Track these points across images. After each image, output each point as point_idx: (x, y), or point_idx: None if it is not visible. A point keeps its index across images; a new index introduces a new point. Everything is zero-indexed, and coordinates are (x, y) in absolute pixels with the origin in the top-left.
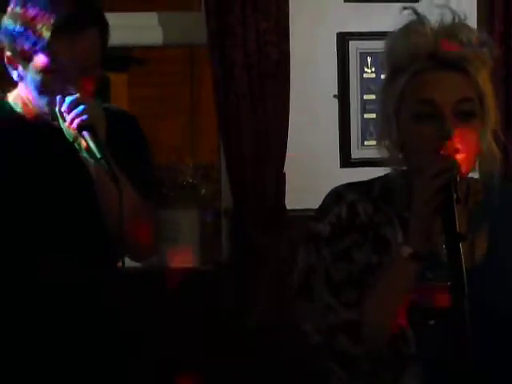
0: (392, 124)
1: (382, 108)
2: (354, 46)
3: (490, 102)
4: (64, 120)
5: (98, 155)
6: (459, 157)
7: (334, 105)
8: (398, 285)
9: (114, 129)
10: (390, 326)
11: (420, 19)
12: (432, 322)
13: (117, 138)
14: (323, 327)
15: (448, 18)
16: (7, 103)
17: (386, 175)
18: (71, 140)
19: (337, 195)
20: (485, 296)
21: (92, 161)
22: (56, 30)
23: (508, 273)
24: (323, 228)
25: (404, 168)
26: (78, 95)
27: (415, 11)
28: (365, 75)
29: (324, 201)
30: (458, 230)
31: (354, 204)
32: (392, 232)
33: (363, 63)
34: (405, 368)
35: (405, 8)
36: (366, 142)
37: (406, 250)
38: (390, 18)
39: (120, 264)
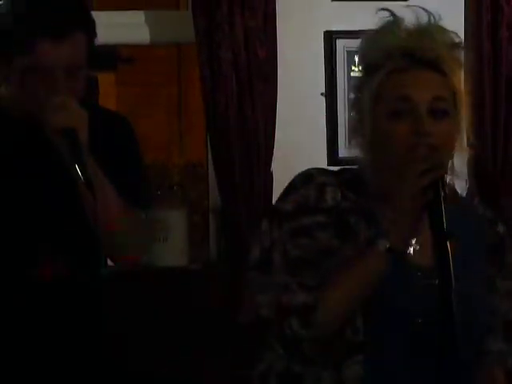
0: (366, 122)
1: (357, 106)
2: (341, 44)
3: (462, 101)
4: (47, 122)
5: (73, 160)
6: (436, 154)
7: (322, 103)
8: (365, 276)
9: (105, 131)
10: (346, 315)
11: (395, 20)
12: (420, 321)
13: (107, 141)
14: (275, 304)
15: (423, 19)
16: None
17: (356, 168)
18: (53, 142)
19: (307, 176)
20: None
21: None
22: (39, 31)
23: (470, 283)
24: (287, 205)
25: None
26: (60, 97)
27: (391, 12)
28: (352, 73)
29: (293, 181)
30: (445, 228)
31: (324, 187)
32: (356, 220)
33: (350, 62)
34: (350, 355)
35: (381, 9)
36: (353, 141)
37: (383, 244)
38: (378, 17)
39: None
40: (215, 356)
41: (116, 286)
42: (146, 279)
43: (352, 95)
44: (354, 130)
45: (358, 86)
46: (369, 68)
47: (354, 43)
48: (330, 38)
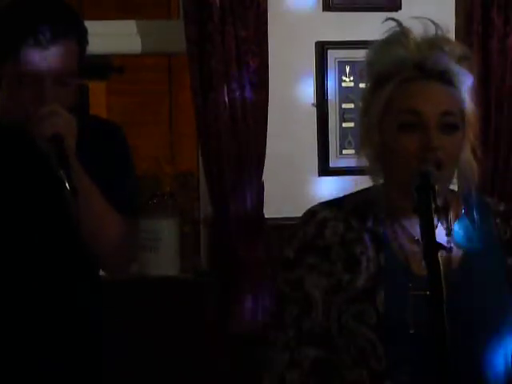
0: (375, 133)
1: (365, 117)
2: (332, 54)
3: (472, 116)
4: (34, 129)
5: (59, 166)
6: (442, 168)
7: (313, 113)
8: None
9: (96, 140)
10: None
11: (403, 30)
12: (412, 331)
13: (98, 150)
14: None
15: (430, 31)
16: None
17: (365, 189)
18: (44, 150)
19: (309, 214)
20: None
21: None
22: (27, 39)
23: (478, 287)
24: (289, 253)
25: (382, 180)
26: (48, 106)
27: (398, 22)
28: (343, 84)
29: (298, 221)
30: (436, 239)
31: (324, 223)
32: (362, 249)
33: (342, 72)
34: (375, 383)
35: (388, 19)
36: (344, 151)
37: None
38: (369, 27)
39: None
40: (206, 366)
41: (106, 295)
42: (137, 288)
43: (351, 105)
44: (363, 141)
45: (366, 96)
46: (379, 78)
47: (345, 54)
48: (322, 48)
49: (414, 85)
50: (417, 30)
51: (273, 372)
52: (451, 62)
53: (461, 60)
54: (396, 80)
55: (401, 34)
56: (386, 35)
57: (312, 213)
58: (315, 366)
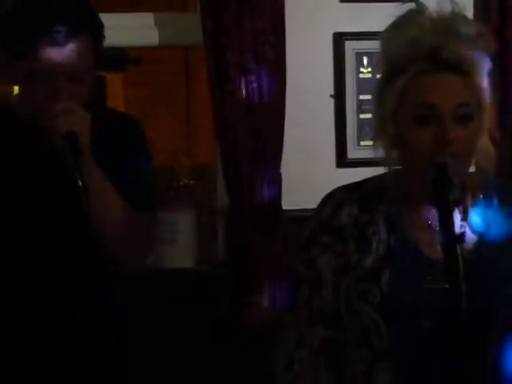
0: (389, 124)
1: (380, 107)
2: (350, 46)
3: (487, 102)
4: (50, 126)
5: (72, 164)
6: (457, 160)
7: (330, 105)
8: None
9: (113, 133)
10: None
11: (419, 8)
12: (428, 325)
13: (114, 143)
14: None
15: (447, 9)
16: (7, 106)
17: (382, 174)
18: (58, 146)
19: (326, 197)
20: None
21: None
22: (42, 36)
23: (493, 275)
24: (305, 233)
25: (399, 167)
26: (62, 103)
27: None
28: (361, 75)
29: (317, 206)
30: (455, 232)
31: (339, 205)
32: (374, 231)
33: (359, 63)
34: (376, 362)
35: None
36: (361, 142)
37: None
38: (387, 18)
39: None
40: (220, 358)
41: (123, 288)
42: (151, 281)
43: (369, 96)
44: (378, 132)
45: (380, 87)
46: (392, 69)
47: (363, 45)
48: (339, 39)
49: (428, 77)
50: (433, 8)
51: (283, 351)
52: (467, 50)
53: (476, 41)
54: (410, 72)
55: (416, 13)
56: (400, 14)
57: (329, 195)
58: (323, 346)
